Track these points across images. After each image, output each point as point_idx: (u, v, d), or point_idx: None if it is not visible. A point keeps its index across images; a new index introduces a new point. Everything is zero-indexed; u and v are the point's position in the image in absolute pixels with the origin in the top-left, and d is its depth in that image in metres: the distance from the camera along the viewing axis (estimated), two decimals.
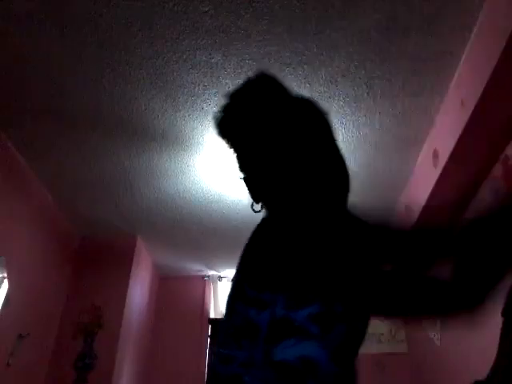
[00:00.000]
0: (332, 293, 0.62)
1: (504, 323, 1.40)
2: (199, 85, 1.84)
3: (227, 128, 0.79)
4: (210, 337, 3.20)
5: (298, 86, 1.84)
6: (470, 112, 1.62)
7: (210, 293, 3.48)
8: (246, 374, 0.59)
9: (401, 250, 0.79)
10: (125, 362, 2.87)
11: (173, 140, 2.16)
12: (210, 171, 2.36)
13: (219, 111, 0.79)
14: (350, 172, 0.78)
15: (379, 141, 2.13)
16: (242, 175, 0.78)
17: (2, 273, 2.08)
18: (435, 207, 2.15)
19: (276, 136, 0.73)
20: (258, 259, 0.71)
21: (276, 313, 0.61)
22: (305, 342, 0.59)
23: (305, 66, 1.76)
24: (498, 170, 1.78)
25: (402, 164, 2.29)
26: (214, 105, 1.93)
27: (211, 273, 3.50)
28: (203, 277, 3.52)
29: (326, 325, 0.60)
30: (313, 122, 0.77)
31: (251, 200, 0.76)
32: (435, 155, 1.98)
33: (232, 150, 0.80)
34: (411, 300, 0.74)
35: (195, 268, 3.51)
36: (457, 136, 1.74)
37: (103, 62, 1.75)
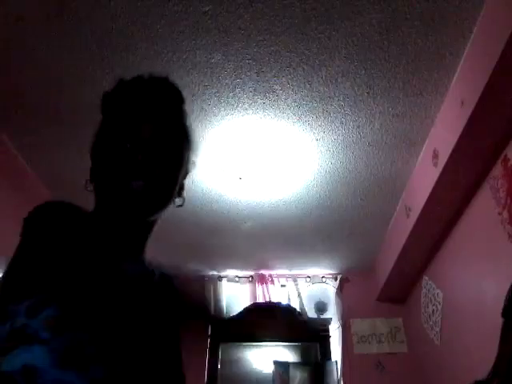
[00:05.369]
0: (69, 296, 0.60)
1: (504, 324, 1.40)
2: (199, 85, 1.84)
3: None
4: (210, 337, 3.20)
5: (298, 86, 1.84)
6: (469, 112, 1.62)
7: (210, 293, 3.48)
8: None
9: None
10: None
11: None
12: (209, 171, 2.36)
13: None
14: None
15: (379, 141, 2.13)
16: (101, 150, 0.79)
17: (2, 273, 2.08)
18: (435, 207, 2.15)
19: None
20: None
21: (16, 323, 0.58)
22: (32, 348, 0.56)
23: (305, 66, 1.76)
24: (497, 169, 1.78)
25: (402, 164, 2.29)
26: (213, 105, 1.93)
27: (211, 273, 3.50)
28: (203, 277, 3.51)
29: (58, 328, 0.57)
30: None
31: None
32: (435, 155, 1.98)
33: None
34: None
35: (195, 268, 3.51)
36: (457, 136, 1.74)
37: (103, 62, 1.75)
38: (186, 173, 0.84)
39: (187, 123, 0.84)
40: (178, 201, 0.82)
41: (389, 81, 1.82)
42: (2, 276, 0.64)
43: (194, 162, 0.85)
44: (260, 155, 2.25)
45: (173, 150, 0.78)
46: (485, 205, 1.89)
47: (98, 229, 0.74)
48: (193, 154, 0.84)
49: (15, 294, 0.61)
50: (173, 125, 0.79)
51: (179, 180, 0.81)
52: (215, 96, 1.89)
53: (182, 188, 0.84)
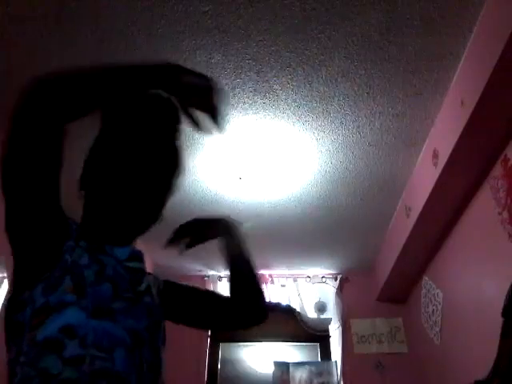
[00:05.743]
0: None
1: (504, 324, 1.40)
2: None
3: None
4: (210, 337, 3.20)
5: (298, 86, 1.84)
6: (470, 112, 1.62)
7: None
8: (17, 365, 0.63)
9: None
10: None
11: None
12: (209, 171, 2.36)
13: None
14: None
15: (379, 141, 2.13)
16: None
17: (2, 273, 2.08)
18: (435, 207, 2.15)
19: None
20: None
21: (36, 304, 0.65)
22: (62, 312, 0.63)
23: (305, 66, 1.76)
24: (497, 169, 1.78)
25: (402, 164, 2.29)
26: None
27: (211, 273, 3.50)
28: (203, 277, 3.52)
29: (80, 291, 0.66)
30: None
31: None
32: (435, 155, 1.98)
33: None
34: (196, 311, 0.97)
35: (195, 268, 3.51)
36: (457, 136, 1.74)
37: (103, 62, 1.75)
38: (171, 194, 0.88)
39: (179, 145, 0.87)
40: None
41: (389, 81, 1.82)
42: (12, 274, 0.71)
43: (178, 186, 0.89)
44: (260, 155, 2.25)
45: (166, 176, 0.83)
46: (485, 205, 1.89)
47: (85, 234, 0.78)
48: (180, 175, 0.87)
49: (26, 283, 0.67)
50: (166, 145, 0.83)
51: (166, 203, 0.85)
52: None
53: (163, 209, 0.88)
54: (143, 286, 0.79)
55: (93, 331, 0.63)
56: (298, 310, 3.19)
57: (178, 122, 0.84)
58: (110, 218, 0.78)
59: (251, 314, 1.01)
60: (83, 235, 0.76)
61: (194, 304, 0.96)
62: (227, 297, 1.00)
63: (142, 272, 0.82)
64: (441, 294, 2.45)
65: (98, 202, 0.79)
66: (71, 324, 0.63)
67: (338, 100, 1.92)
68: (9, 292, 0.70)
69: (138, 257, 0.82)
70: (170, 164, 0.83)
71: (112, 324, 0.66)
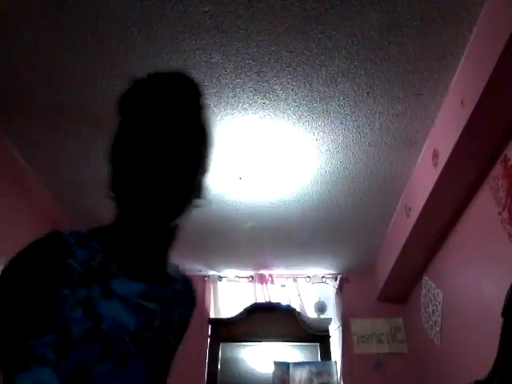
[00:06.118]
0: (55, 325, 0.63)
1: (504, 324, 1.40)
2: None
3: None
4: (210, 337, 3.20)
5: (298, 86, 1.84)
6: (470, 112, 1.62)
7: (210, 293, 3.48)
8: None
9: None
10: None
11: None
12: (210, 171, 2.36)
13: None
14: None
15: (379, 141, 2.13)
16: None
17: None
18: (435, 207, 2.15)
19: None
20: None
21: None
22: (41, 368, 0.60)
23: (305, 66, 1.76)
24: (497, 169, 1.78)
25: (402, 164, 2.29)
26: (213, 105, 1.93)
27: (211, 273, 3.50)
28: (203, 277, 3.52)
29: (62, 351, 0.61)
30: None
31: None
32: (435, 155, 1.98)
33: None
34: None
35: (195, 268, 3.51)
36: (457, 136, 1.74)
37: (103, 62, 1.75)
38: (205, 171, 0.82)
39: (204, 117, 0.81)
40: (198, 202, 0.80)
41: (389, 81, 1.82)
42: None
43: (211, 159, 0.82)
44: (260, 155, 2.25)
45: (191, 150, 0.75)
46: (485, 205, 1.89)
47: (118, 239, 0.75)
48: (210, 150, 0.81)
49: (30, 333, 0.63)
50: (190, 123, 0.77)
51: (198, 180, 0.79)
52: (215, 96, 1.89)
53: (201, 188, 0.81)
54: (152, 332, 0.72)
55: None
56: (298, 309, 3.19)
57: (200, 96, 0.79)
58: (142, 204, 0.71)
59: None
60: (110, 245, 0.72)
61: None
62: None
63: (157, 313, 0.74)
64: (441, 294, 2.45)
65: (129, 193, 0.72)
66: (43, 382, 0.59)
67: (338, 100, 1.92)
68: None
69: (156, 295, 0.74)
70: (197, 139, 0.78)
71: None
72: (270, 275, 3.36)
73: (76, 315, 0.63)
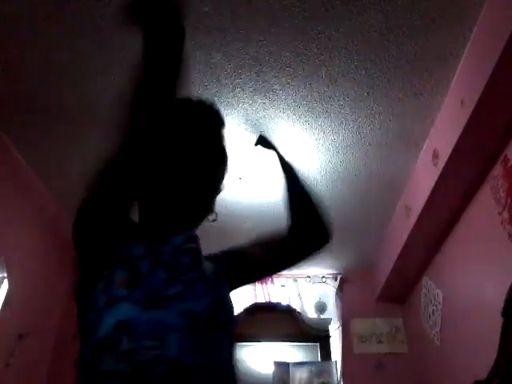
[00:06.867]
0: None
1: (504, 323, 1.40)
2: (199, 85, 1.84)
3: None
4: None
5: (298, 86, 1.84)
6: (470, 112, 1.62)
7: None
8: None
9: None
10: None
11: None
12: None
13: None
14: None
15: (379, 141, 2.13)
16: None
17: (2, 273, 2.08)
18: (435, 207, 2.15)
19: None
20: None
21: (98, 303, 0.69)
22: (116, 307, 0.67)
23: (305, 66, 1.76)
24: (497, 169, 1.78)
25: (402, 164, 2.29)
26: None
27: None
28: None
29: (134, 283, 0.69)
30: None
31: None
32: (435, 155, 1.98)
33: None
34: (268, 260, 1.07)
35: None
36: (457, 136, 1.74)
37: (103, 62, 1.75)
38: (221, 190, 0.98)
39: (225, 146, 0.96)
40: (210, 216, 0.94)
41: (389, 81, 1.82)
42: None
43: (224, 182, 0.98)
44: (260, 155, 2.25)
45: (214, 173, 0.92)
46: (485, 205, 1.89)
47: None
48: (226, 174, 0.97)
49: (89, 283, 0.74)
50: (216, 150, 0.92)
51: (214, 198, 0.94)
52: (215, 96, 1.89)
53: (213, 204, 0.95)
54: (204, 265, 0.82)
55: (145, 323, 0.66)
56: (298, 310, 3.19)
57: (222, 124, 0.94)
58: (165, 213, 0.82)
59: (316, 231, 1.08)
60: (140, 234, 0.80)
61: (263, 255, 1.03)
62: (287, 228, 1.07)
63: (200, 252, 0.86)
64: (441, 294, 2.45)
65: (153, 201, 0.83)
66: (124, 320, 0.65)
67: (338, 100, 1.92)
68: (77, 292, 0.78)
69: (193, 239, 0.86)
70: (216, 161, 0.92)
71: (164, 311, 0.68)
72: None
73: (139, 252, 0.74)
